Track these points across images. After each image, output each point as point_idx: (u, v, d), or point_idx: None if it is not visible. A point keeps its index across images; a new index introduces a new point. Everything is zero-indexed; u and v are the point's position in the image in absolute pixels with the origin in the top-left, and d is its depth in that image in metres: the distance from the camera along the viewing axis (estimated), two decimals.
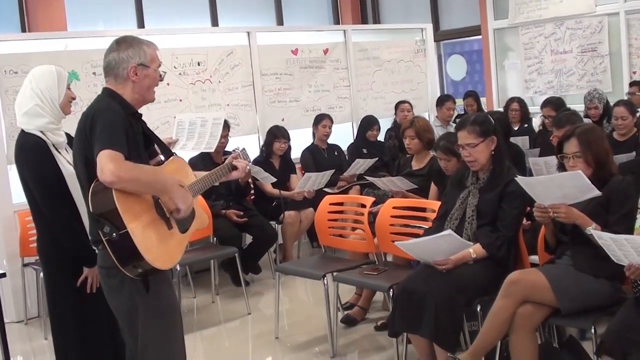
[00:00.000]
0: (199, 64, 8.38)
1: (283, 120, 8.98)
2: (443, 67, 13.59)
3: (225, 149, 7.44)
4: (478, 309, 4.53)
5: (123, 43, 3.59)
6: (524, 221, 4.91)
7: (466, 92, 10.97)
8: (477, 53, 13.11)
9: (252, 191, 8.17)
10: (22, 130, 4.22)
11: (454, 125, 8.74)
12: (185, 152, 5.51)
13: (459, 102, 11.14)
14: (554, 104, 8.02)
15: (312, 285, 6.92)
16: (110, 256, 3.29)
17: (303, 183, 7.80)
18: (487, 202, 4.67)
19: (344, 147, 9.32)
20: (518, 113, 9.26)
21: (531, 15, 10.84)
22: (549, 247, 4.54)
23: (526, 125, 9.25)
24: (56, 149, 4.18)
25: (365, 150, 9.07)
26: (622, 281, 4.13)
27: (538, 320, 4.22)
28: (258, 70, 8.91)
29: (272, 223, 7.82)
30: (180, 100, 8.17)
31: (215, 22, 11.58)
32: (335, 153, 9.05)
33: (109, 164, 3.18)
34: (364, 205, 5.95)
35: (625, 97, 8.47)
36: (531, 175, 6.31)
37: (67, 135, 4.25)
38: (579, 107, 8.35)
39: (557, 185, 4.07)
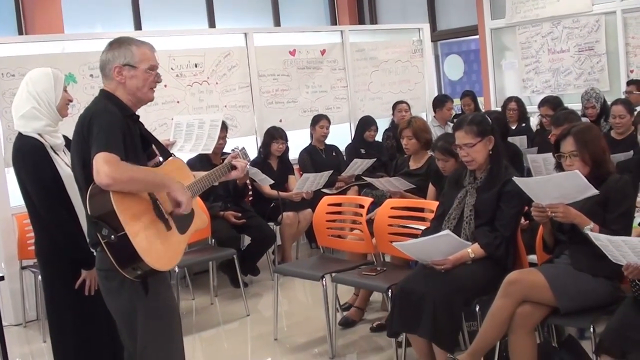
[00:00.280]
0: (196, 66, 8.38)
1: (281, 121, 8.97)
2: (440, 67, 13.59)
3: (223, 150, 7.44)
4: (477, 309, 4.54)
5: (114, 44, 3.61)
6: (522, 221, 4.91)
7: (463, 92, 10.98)
8: (474, 53, 13.11)
9: (250, 192, 8.17)
10: (20, 133, 4.22)
11: (451, 125, 8.74)
12: (183, 153, 5.52)
13: (457, 102, 11.14)
14: (552, 103, 8.02)
15: (310, 286, 6.92)
16: (108, 258, 3.28)
17: (301, 184, 7.80)
18: (485, 201, 4.67)
19: (342, 148, 9.32)
20: (516, 112, 9.27)
21: (528, 14, 10.85)
22: (547, 247, 4.54)
23: (524, 124, 9.26)
24: (54, 151, 4.18)
25: (363, 151, 9.07)
26: (620, 280, 4.13)
27: (537, 320, 4.22)
28: (255, 72, 8.91)
29: (271, 224, 7.83)
30: (178, 102, 8.17)
31: (212, 24, 11.57)
32: (333, 154, 9.05)
33: (104, 166, 3.17)
34: (362, 206, 5.95)
35: (623, 96, 8.47)
36: (529, 174, 6.32)
37: (65, 137, 4.25)
38: (576, 106, 8.36)
39: (554, 185, 4.08)
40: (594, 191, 4.00)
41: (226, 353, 6.07)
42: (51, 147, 4.18)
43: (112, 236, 3.22)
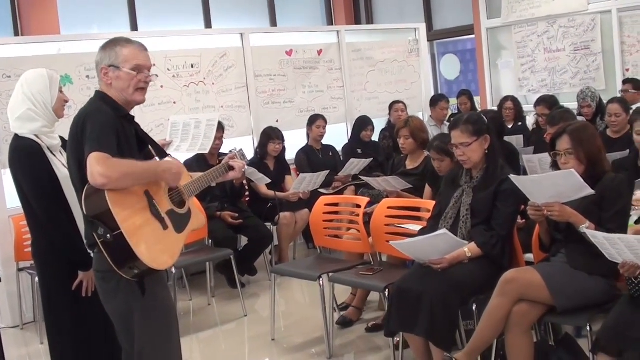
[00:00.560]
0: (192, 66, 8.38)
1: (277, 121, 8.98)
2: (437, 66, 13.60)
3: (220, 151, 7.44)
4: (474, 307, 4.54)
5: (104, 45, 3.62)
6: (519, 220, 4.92)
7: (460, 91, 11.01)
8: (470, 52, 13.12)
9: (247, 193, 8.17)
10: (16, 134, 4.21)
11: (448, 124, 8.75)
12: (180, 153, 5.51)
13: (453, 101, 11.15)
14: (547, 102, 8.04)
15: (308, 286, 6.92)
16: (106, 260, 3.28)
17: (298, 184, 7.80)
18: (481, 201, 4.68)
19: (339, 148, 9.33)
20: (512, 112, 9.30)
21: (524, 14, 10.85)
22: (543, 246, 4.55)
23: (520, 123, 9.28)
24: (51, 152, 4.18)
25: (359, 151, 9.07)
26: (617, 278, 4.14)
27: (534, 319, 4.23)
28: (252, 72, 8.91)
29: (268, 224, 7.84)
30: (174, 103, 8.17)
31: (208, 24, 11.57)
32: (330, 154, 9.06)
33: (97, 166, 3.18)
34: (359, 206, 5.95)
35: (619, 95, 8.48)
36: (525, 173, 6.32)
37: (62, 138, 4.24)
38: (572, 105, 8.38)
39: (550, 184, 4.08)
40: (589, 191, 4.01)
41: (224, 353, 6.07)
42: (48, 148, 4.17)
43: (108, 235, 3.22)
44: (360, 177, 7.75)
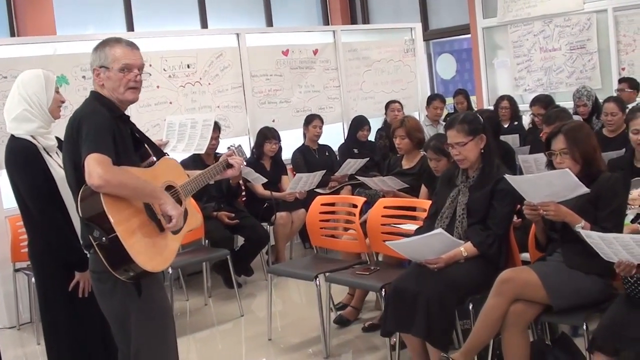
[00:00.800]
0: (188, 66, 8.38)
1: (273, 121, 8.98)
2: (433, 66, 13.60)
3: (216, 151, 7.44)
4: (470, 307, 4.55)
5: (96, 46, 3.62)
6: (515, 219, 4.92)
7: (456, 90, 11.03)
8: (466, 52, 13.12)
9: (244, 193, 8.17)
10: (12, 135, 4.21)
11: (444, 124, 8.76)
12: (176, 153, 5.51)
13: (449, 100, 11.16)
14: (543, 102, 8.05)
15: (304, 286, 6.92)
16: (101, 260, 3.29)
17: (294, 184, 7.80)
18: (477, 200, 4.68)
19: (335, 148, 9.34)
20: (508, 111, 9.31)
21: (520, 13, 10.86)
22: (539, 245, 4.56)
23: (516, 123, 9.29)
24: (47, 153, 4.18)
25: (356, 150, 9.08)
26: (613, 277, 4.14)
27: (530, 318, 4.23)
28: (248, 72, 8.91)
29: (264, 224, 7.83)
30: (170, 103, 8.17)
31: (204, 24, 11.56)
32: (326, 153, 9.06)
33: (97, 167, 3.18)
34: (355, 206, 5.95)
35: (615, 94, 8.49)
36: (521, 172, 6.33)
37: (58, 139, 4.24)
38: (568, 104, 8.38)
39: (545, 184, 4.09)
40: (584, 189, 4.01)
41: (220, 354, 6.07)
42: (44, 149, 4.17)
43: (104, 238, 3.22)
44: (357, 176, 7.76)
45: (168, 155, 3.94)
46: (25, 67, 4.59)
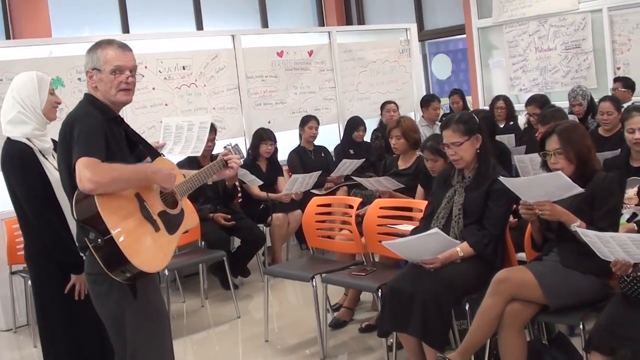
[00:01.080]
0: (184, 68, 8.38)
1: (269, 122, 8.99)
2: (428, 66, 13.62)
3: (212, 153, 7.44)
4: (467, 307, 4.55)
5: (89, 48, 3.62)
6: (511, 219, 4.93)
7: (452, 90, 11.06)
8: (461, 52, 13.14)
9: (240, 194, 8.17)
10: (8, 138, 4.20)
11: (439, 124, 8.77)
12: (173, 155, 5.51)
13: (445, 101, 11.17)
14: (539, 102, 8.06)
15: (301, 287, 6.93)
16: (97, 262, 3.28)
17: (290, 185, 7.80)
18: (473, 200, 4.69)
19: (331, 149, 9.34)
20: (504, 111, 9.31)
21: (515, 13, 10.87)
22: (535, 245, 4.57)
23: (512, 123, 9.29)
24: (43, 155, 4.17)
25: (351, 151, 9.08)
26: (609, 277, 4.14)
27: (527, 318, 4.24)
28: (243, 73, 8.91)
29: (260, 226, 7.83)
30: (166, 105, 8.17)
31: (200, 26, 11.57)
32: (322, 154, 9.07)
33: (85, 172, 3.18)
34: (351, 206, 5.95)
35: (610, 93, 8.50)
36: (517, 173, 6.33)
37: (54, 141, 4.23)
38: (564, 104, 8.39)
39: (539, 185, 4.10)
40: (578, 189, 4.02)
41: (217, 355, 6.07)
42: (40, 152, 4.17)
43: (99, 240, 3.22)
44: (353, 177, 7.75)
45: (163, 155, 3.94)
46: (20, 70, 4.58)
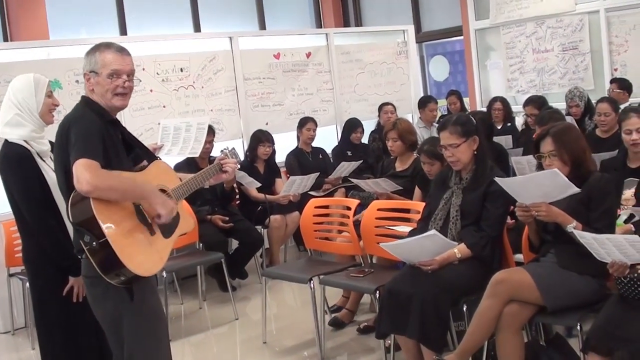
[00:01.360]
0: (181, 70, 8.38)
1: (267, 124, 8.99)
2: (426, 68, 13.63)
3: (210, 155, 7.44)
4: (464, 308, 4.56)
5: (87, 51, 3.63)
6: (508, 220, 4.93)
7: (449, 91, 11.05)
8: (459, 53, 13.15)
9: (238, 196, 8.17)
10: (6, 140, 4.20)
11: (437, 126, 8.76)
12: (171, 157, 5.51)
13: (442, 102, 11.17)
14: (536, 103, 8.08)
15: (299, 289, 6.93)
16: (92, 265, 3.28)
17: (288, 187, 7.80)
18: (471, 202, 4.69)
19: (329, 150, 9.34)
20: (501, 112, 9.31)
21: (512, 14, 10.89)
22: (533, 247, 4.57)
23: (509, 124, 9.29)
24: (40, 158, 4.17)
25: (349, 153, 9.09)
26: (606, 278, 4.15)
27: (524, 319, 4.24)
28: (241, 75, 8.92)
29: (258, 227, 7.83)
30: (164, 107, 8.17)
31: (197, 28, 11.57)
32: (320, 156, 9.07)
33: (84, 173, 3.18)
34: (349, 208, 5.96)
35: (607, 94, 8.51)
36: (515, 174, 6.34)
37: (52, 143, 4.23)
38: (561, 105, 8.40)
39: (535, 185, 4.10)
40: (574, 189, 4.02)
41: (215, 357, 6.06)
42: (37, 154, 4.16)
43: (94, 243, 3.22)
44: (350, 179, 7.76)
45: (160, 158, 3.94)
46: (18, 72, 4.58)
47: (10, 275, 6.68)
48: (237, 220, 7.54)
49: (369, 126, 9.91)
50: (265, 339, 6.03)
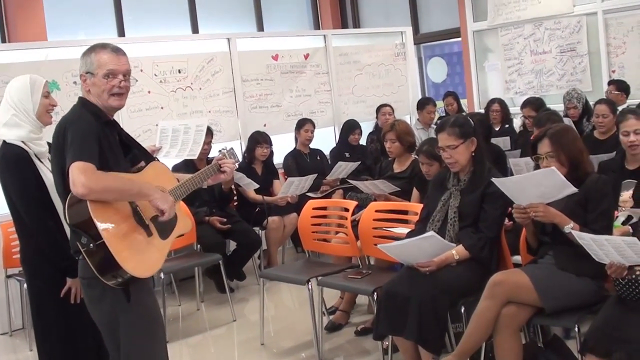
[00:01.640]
0: (179, 72, 8.38)
1: (265, 125, 8.99)
2: (424, 69, 13.64)
3: (209, 156, 7.43)
4: (462, 310, 4.55)
5: (84, 52, 3.62)
6: (506, 222, 4.93)
7: (445, 93, 11.06)
8: (457, 55, 13.15)
9: (235, 197, 8.17)
10: (4, 141, 4.20)
11: (435, 127, 8.77)
12: (169, 159, 5.52)
13: (440, 104, 11.17)
14: (534, 104, 8.07)
15: (296, 290, 6.92)
16: (89, 266, 3.28)
17: (286, 188, 7.80)
18: (469, 203, 4.69)
19: (326, 152, 9.34)
20: (499, 114, 9.31)
21: (510, 16, 10.90)
22: (530, 249, 4.57)
23: (507, 125, 9.30)
24: (38, 159, 4.17)
25: (347, 154, 9.08)
26: (604, 279, 4.15)
27: (522, 321, 4.24)
28: (239, 76, 8.92)
29: (256, 229, 7.83)
30: (162, 108, 8.17)
31: (195, 29, 11.56)
32: (318, 157, 9.06)
33: (79, 176, 3.17)
34: (347, 209, 5.96)
35: (605, 96, 8.52)
36: (512, 175, 6.34)
37: (49, 144, 4.23)
38: (559, 107, 8.40)
39: (533, 184, 4.10)
40: (572, 189, 4.03)
41: (213, 359, 6.07)
42: (35, 155, 4.16)
43: (91, 244, 3.22)
44: (348, 180, 7.76)
45: (157, 159, 3.94)
46: (16, 73, 4.58)
47: (8, 277, 6.69)
48: (235, 222, 7.54)
49: (367, 128, 9.91)
50: (263, 340, 6.03)
